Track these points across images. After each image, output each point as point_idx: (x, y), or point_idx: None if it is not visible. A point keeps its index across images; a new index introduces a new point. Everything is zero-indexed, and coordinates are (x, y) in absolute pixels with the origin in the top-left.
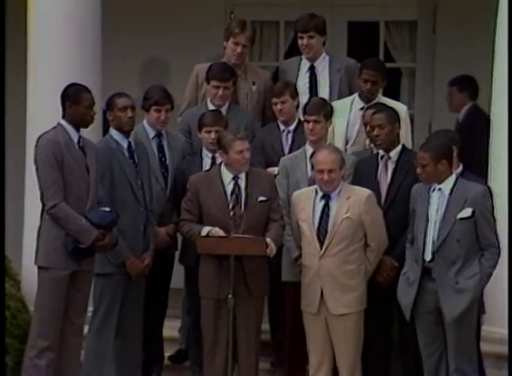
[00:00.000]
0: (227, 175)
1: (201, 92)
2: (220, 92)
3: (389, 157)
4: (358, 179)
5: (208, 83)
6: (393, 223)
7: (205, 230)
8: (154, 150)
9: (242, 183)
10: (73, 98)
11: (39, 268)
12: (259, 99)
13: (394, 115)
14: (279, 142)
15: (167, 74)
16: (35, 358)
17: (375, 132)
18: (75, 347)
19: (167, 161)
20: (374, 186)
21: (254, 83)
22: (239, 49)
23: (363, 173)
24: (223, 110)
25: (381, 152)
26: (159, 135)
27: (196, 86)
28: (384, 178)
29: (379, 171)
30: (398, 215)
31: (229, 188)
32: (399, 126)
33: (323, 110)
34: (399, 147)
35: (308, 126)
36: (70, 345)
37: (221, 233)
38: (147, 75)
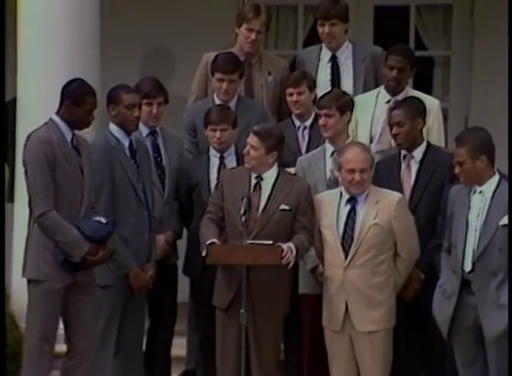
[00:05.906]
0: (253, 174)
1: (211, 84)
2: (224, 85)
3: (412, 157)
4: (378, 181)
5: (213, 75)
6: (418, 229)
7: (204, 248)
8: (149, 149)
9: (265, 185)
10: (76, 99)
11: (28, 281)
12: (275, 91)
13: (415, 110)
14: (295, 140)
15: (174, 62)
16: None
17: (393, 131)
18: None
19: (164, 162)
20: (396, 189)
21: (269, 73)
22: (253, 36)
23: (384, 174)
24: (231, 105)
25: (403, 151)
26: (153, 132)
27: (205, 77)
28: (408, 180)
29: (402, 172)
30: (424, 220)
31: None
32: (423, 121)
33: (336, 103)
34: (423, 145)
35: (320, 121)
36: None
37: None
38: (152, 64)
